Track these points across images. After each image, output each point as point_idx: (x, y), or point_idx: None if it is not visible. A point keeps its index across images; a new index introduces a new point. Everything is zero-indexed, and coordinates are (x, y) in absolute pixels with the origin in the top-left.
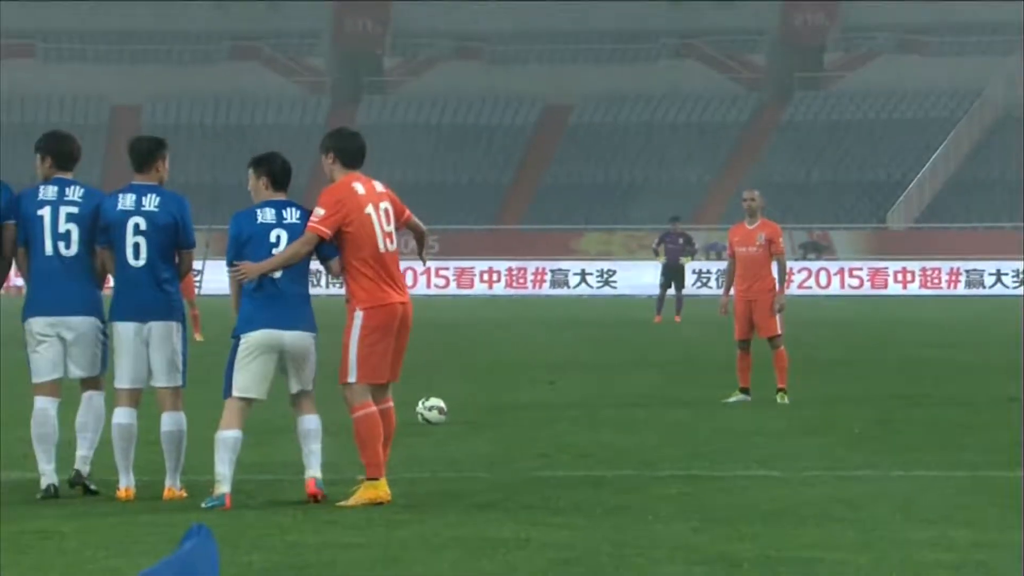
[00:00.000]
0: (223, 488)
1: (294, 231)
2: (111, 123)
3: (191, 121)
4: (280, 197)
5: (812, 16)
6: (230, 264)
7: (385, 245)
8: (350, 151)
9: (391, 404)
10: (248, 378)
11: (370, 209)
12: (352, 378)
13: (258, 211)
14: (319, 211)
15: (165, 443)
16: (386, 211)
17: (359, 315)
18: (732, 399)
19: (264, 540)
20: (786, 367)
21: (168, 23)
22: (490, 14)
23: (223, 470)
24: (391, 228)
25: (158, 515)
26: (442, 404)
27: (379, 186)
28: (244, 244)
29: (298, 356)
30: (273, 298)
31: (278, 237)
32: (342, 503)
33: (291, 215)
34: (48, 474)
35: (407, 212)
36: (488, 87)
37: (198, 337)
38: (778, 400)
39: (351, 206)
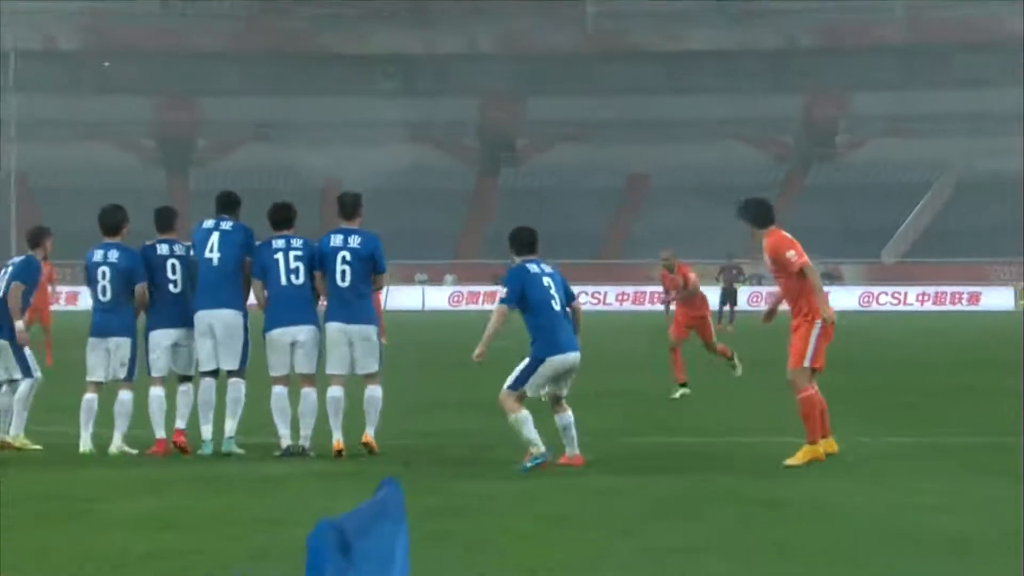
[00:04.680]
0: (542, 448)
1: (554, 278)
2: (323, 189)
3: (377, 185)
4: (533, 257)
5: (826, 109)
6: (511, 303)
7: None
8: (769, 215)
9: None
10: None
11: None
12: (807, 363)
13: (528, 266)
14: (791, 253)
15: (367, 405)
16: None
17: (819, 323)
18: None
19: (435, 487)
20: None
21: (362, 114)
22: (591, 107)
23: (535, 437)
24: None
25: (360, 466)
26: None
27: None
28: (526, 290)
29: None
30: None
31: (548, 283)
32: (789, 461)
33: (543, 269)
34: (286, 437)
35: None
36: (590, 160)
37: (383, 341)
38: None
39: (799, 246)
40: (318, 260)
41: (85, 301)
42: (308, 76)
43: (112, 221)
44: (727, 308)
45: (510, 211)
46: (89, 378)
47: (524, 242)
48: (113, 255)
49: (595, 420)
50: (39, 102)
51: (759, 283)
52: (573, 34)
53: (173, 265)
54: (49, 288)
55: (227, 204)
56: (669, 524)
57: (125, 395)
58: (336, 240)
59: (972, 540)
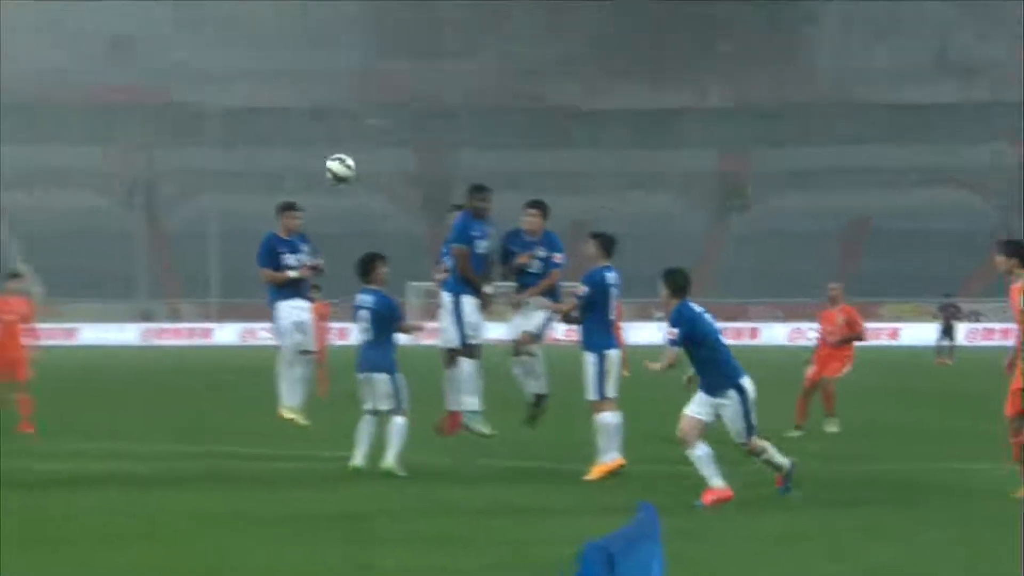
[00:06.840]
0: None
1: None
2: (570, 231)
3: (614, 229)
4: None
5: None
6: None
7: None
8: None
9: None
10: None
11: None
12: None
13: (691, 305)
14: None
15: (612, 431)
16: None
17: None
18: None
19: (674, 510)
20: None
21: (598, 164)
22: (814, 157)
23: (712, 476)
24: None
25: (598, 490)
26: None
27: None
28: (696, 326)
29: None
30: None
31: (710, 318)
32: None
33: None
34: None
35: None
36: (813, 205)
37: (625, 373)
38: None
39: None
40: (599, 293)
41: (355, 336)
42: (551, 129)
43: (362, 267)
44: (946, 343)
45: (749, 249)
46: (364, 407)
47: (681, 285)
48: (368, 300)
49: (818, 447)
50: (307, 157)
51: (977, 320)
52: (801, 87)
53: None
54: (323, 324)
55: None
56: (883, 546)
57: (399, 420)
58: (610, 277)
59: None
